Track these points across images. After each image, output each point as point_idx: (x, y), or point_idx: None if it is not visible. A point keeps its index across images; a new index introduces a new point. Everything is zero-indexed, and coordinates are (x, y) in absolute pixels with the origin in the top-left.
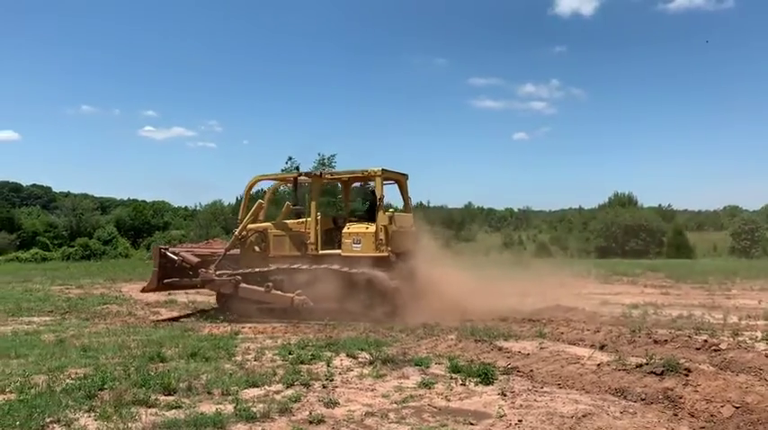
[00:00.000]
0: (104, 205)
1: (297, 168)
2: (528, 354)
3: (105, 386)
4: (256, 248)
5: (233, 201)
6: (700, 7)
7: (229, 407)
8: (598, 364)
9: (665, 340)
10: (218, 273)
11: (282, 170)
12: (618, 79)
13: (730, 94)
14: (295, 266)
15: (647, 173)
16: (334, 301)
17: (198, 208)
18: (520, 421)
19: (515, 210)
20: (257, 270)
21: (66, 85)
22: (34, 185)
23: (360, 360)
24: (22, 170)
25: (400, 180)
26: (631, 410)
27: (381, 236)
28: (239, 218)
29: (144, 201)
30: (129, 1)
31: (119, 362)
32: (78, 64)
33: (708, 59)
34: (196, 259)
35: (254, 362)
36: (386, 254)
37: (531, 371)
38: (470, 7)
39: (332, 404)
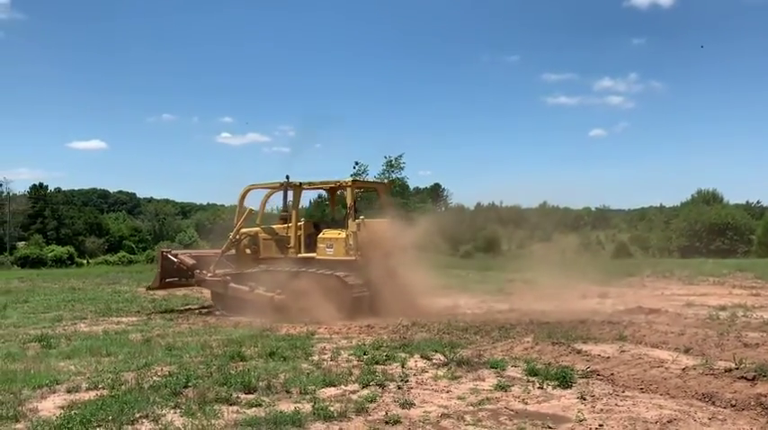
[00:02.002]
0: (185, 210)
1: (364, 172)
2: (608, 358)
3: (189, 384)
4: (248, 251)
5: (306, 204)
6: None
7: (307, 406)
8: (683, 368)
9: (757, 343)
10: (217, 272)
11: (351, 175)
12: (700, 70)
13: None
14: (276, 268)
15: (734, 168)
16: (308, 300)
17: (275, 211)
18: (600, 426)
19: (593, 208)
20: (246, 271)
21: (148, 95)
22: (120, 192)
23: (434, 361)
24: (109, 177)
25: (379, 188)
26: (720, 417)
27: (351, 241)
28: (234, 222)
29: (222, 206)
30: (204, 11)
31: (201, 361)
32: (158, 74)
33: None
34: (192, 261)
35: (331, 362)
36: (354, 257)
37: (612, 374)
38: (542, 1)
39: (407, 405)
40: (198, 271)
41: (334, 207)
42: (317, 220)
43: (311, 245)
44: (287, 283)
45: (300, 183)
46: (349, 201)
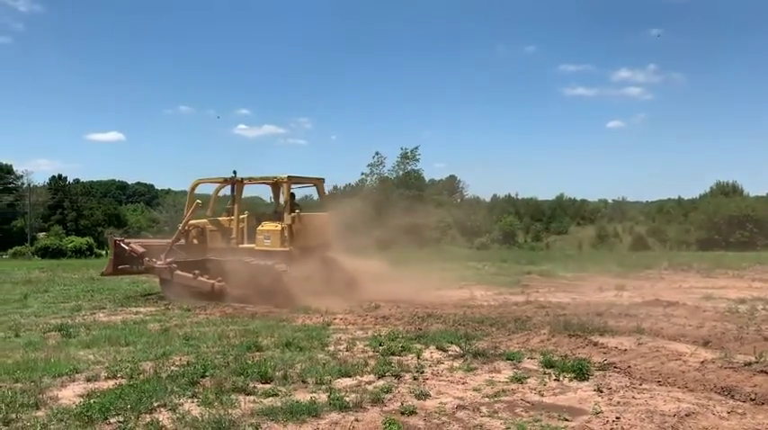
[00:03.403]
0: (202, 201)
1: (381, 164)
2: (625, 350)
3: (207, 373)
4: (196, 241)
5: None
6: None
7: (323, 396)
8: (702, 361)
9: None
10: (168, 260)
11: (368, 165)
12: (720, 61)
13: None
14: (218, 257)
15: (754, 160)
16: (245, 287)
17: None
18: (618, 418)
19: (609, 201)
20: (191, 259)
21: (166, 87)
22: (138, 183)
23: (450, 353)
24: (127, 169)
25: (316, 183)
26: (740, 410)
27: (286, 233)
28: (184, 214)
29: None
30: (221, 4)
31: (218, 351)
32: (175, 66)
33: None
34: (142, 249)
35: (346, 353)
36: (288, 248)
37: (629, 367)
38: None
39: (423, 396)
40: (147, 258)
41: (277, 201)
42: (259, 214)
43: (253, 236)
44: (227, 271)
45: (242, 179)
46: (285, 195)
